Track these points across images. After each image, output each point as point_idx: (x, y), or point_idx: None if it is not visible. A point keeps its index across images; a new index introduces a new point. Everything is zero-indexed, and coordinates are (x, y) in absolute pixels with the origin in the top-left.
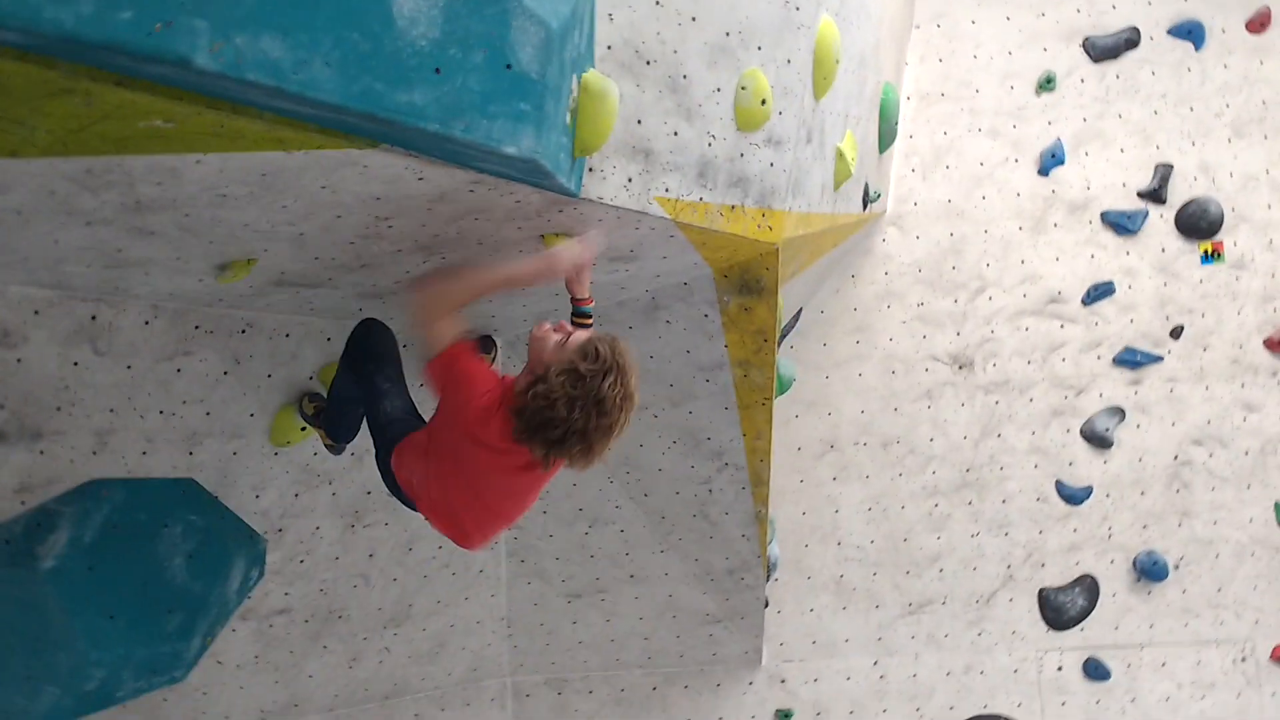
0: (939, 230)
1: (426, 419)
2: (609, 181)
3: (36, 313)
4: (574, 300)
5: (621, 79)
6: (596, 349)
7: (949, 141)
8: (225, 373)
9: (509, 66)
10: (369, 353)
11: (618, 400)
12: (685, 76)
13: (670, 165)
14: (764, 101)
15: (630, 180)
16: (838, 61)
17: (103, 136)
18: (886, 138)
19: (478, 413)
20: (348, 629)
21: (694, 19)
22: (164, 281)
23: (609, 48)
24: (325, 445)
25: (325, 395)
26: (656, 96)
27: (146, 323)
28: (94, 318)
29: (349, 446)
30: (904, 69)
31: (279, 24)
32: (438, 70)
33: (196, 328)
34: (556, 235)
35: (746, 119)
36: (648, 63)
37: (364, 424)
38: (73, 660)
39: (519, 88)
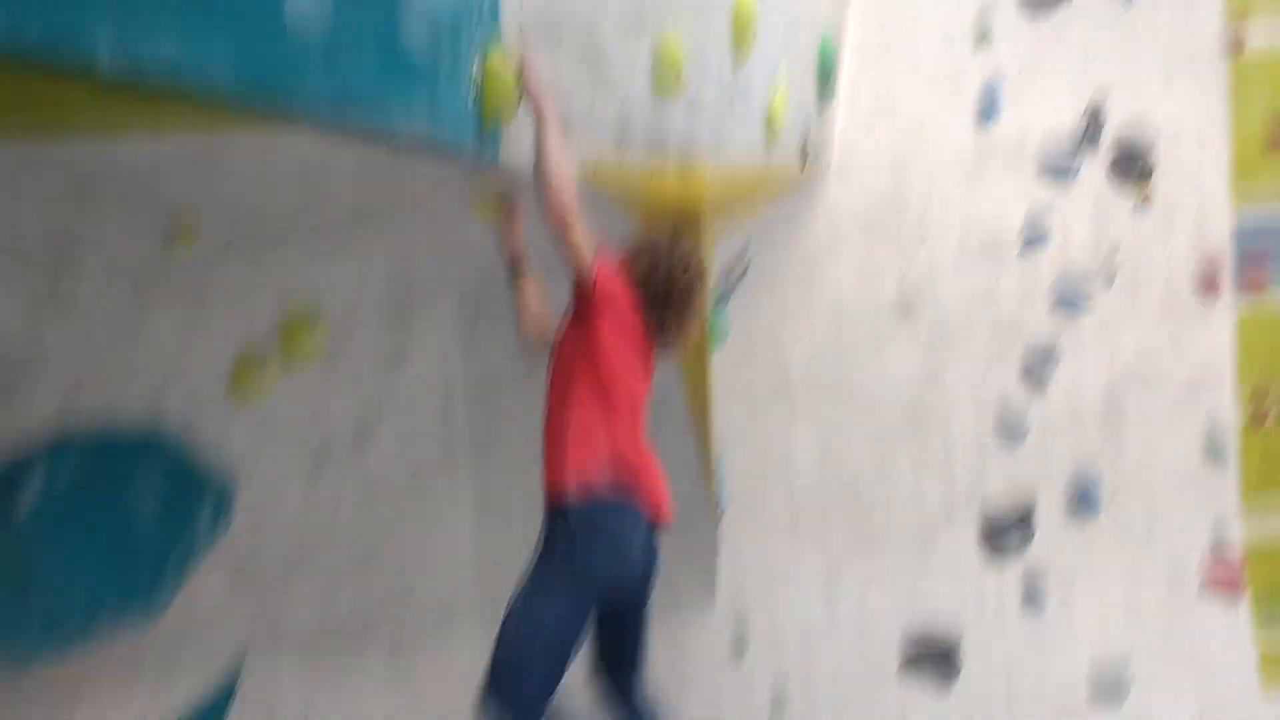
0: (881, 180)
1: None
2: (527, 147)
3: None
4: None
5: (535, 50)
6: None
7: (890, 93)
8: (185, 331)
9: (400, 54)
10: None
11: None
12: (600, 48)
13: (587, 131)
14: (680, 67)
15: None
16: (757, 25)
17: (39, 122)
18: (826, 92)
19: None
20: (318, 568)
21: None
22: (118, 247)
23: (521, 24)
24: None
25: None
26: (571, 69)
27: (106, 285)
28: (56, 283)
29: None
30: (845, 23)
31: (174, 25)
32: (329, 60)
33: (154, 289)
34: (484, 198)
35: (663, 85)
36: (561, 37)
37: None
38: (51, 601)
39: (411, 73)
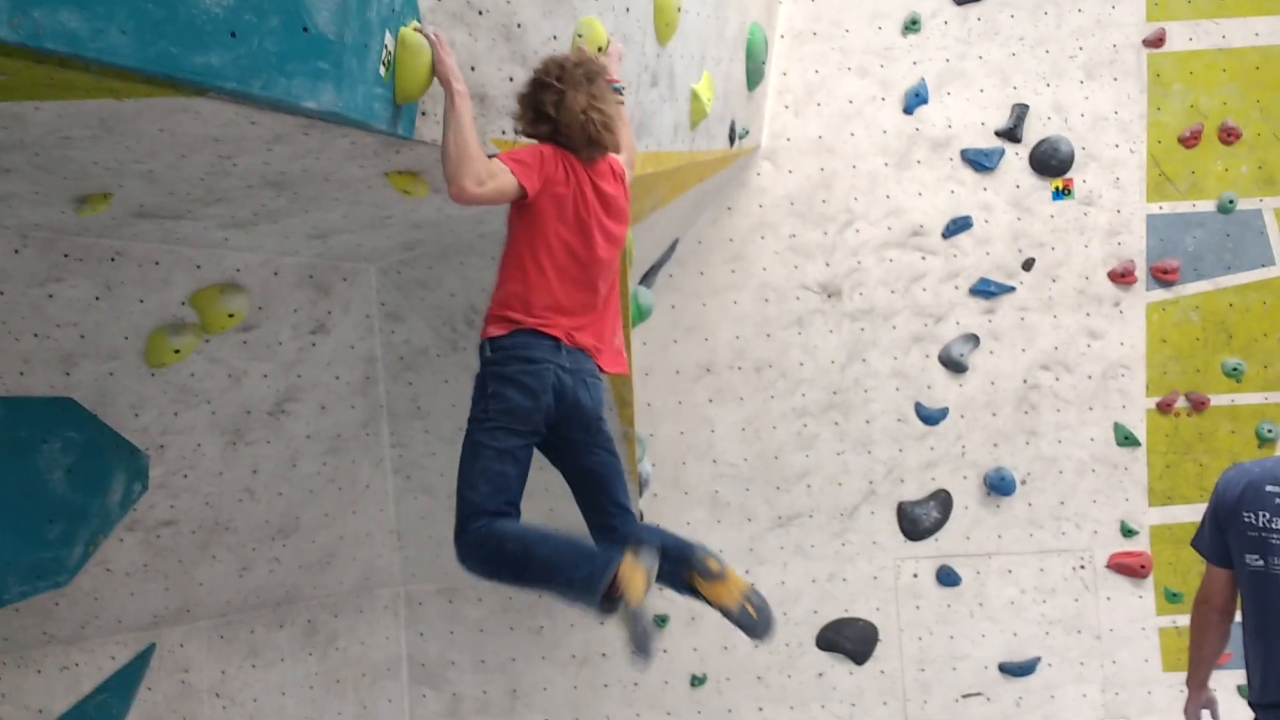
0: (810, 165)
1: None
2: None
3: None
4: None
5: (453, 28)
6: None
7: (820, 79)
8: (97, 298)
9: (305, 29)
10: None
11: (583, 65)
12: (520, 25)
13: (506, 109)
14: (600, 48)
15: None
16: (680, 9)
17: None
18: (754, 76)
19: (563, 166)
20: (235, 540)
21: None
22: (29, 213)
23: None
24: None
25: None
26: (490, 44)
27: (16, 251)
28: None
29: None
30: (777, 8)
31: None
32: (233, 34)
33: (66, 256)
34: (401, 173)
35: None
36: (480, 13)
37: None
38: None
39: (316, 48)
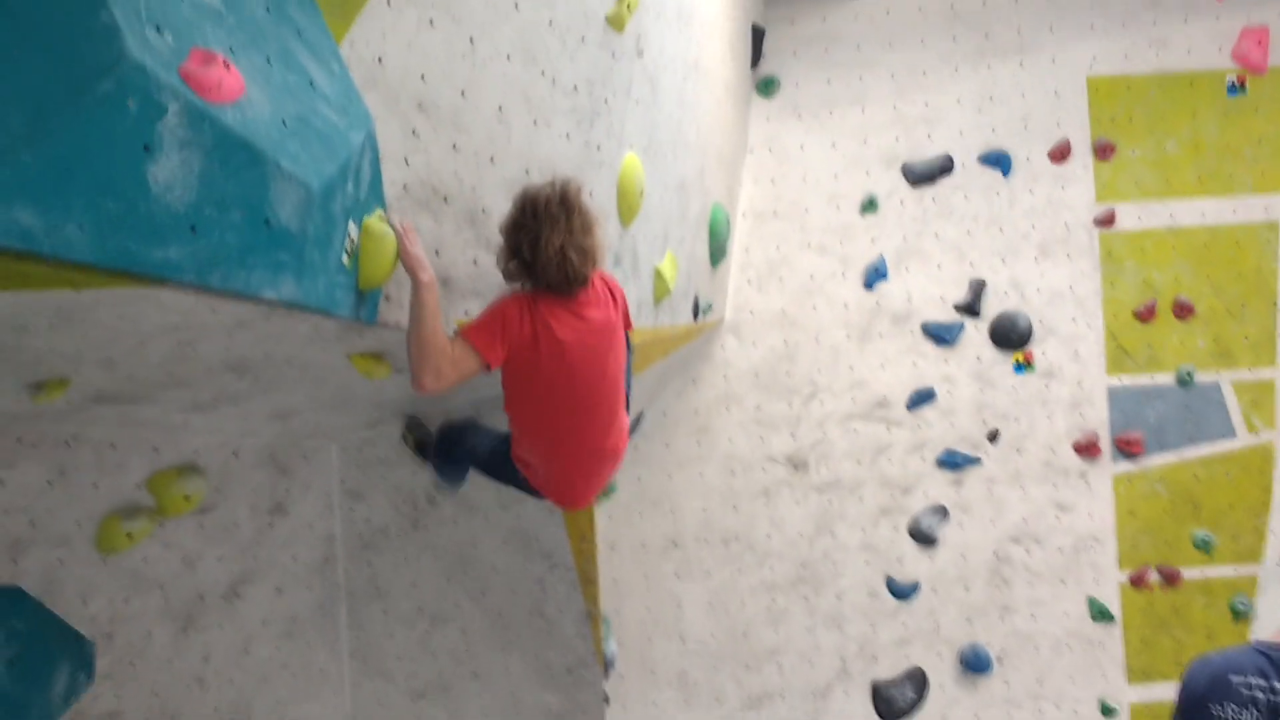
0: (774, 338)
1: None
2: (407, 307)
3: None
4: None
5: (418, 215)
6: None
7: (782, 256)
8: (49, 483)
9: (268, 223)
10: (454, 438)
11: (558, 199)
12: (484, 210)
13: (471, 291)
14: None
15: None
16: (642, 193)
17: None
18: (717, 253)
19: (531, 322)
20: None
21: (492, 159)
22: None
23: (405, 188)
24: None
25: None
26: (455, 229)
27: None
28: None
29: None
30: (739, 190)
31: (31, 195)
32: (193, 229)
33: (19, 441)
34: (363, 356)
35: None
36: (445, 199)
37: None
38: None
39: (278, 241)
